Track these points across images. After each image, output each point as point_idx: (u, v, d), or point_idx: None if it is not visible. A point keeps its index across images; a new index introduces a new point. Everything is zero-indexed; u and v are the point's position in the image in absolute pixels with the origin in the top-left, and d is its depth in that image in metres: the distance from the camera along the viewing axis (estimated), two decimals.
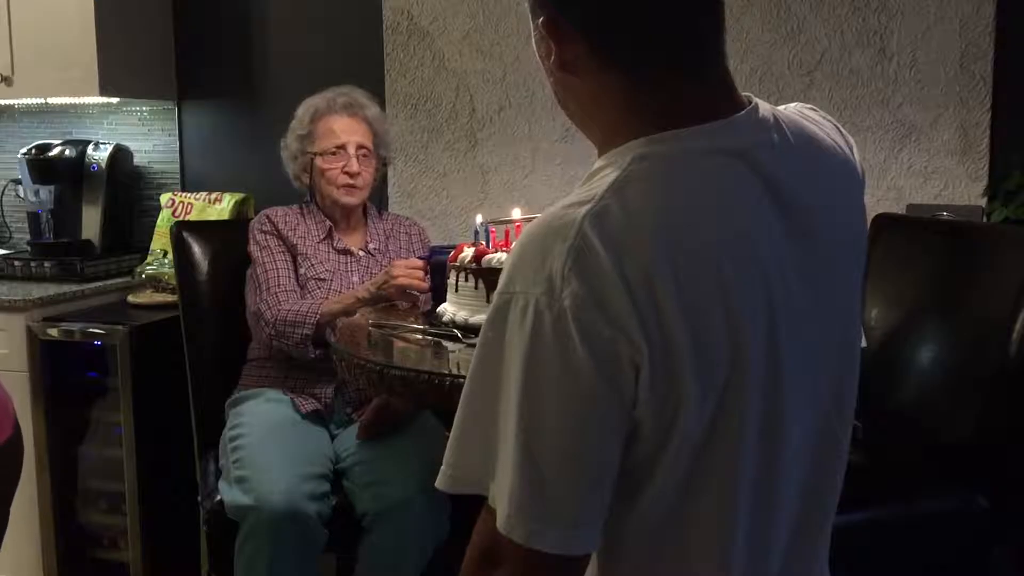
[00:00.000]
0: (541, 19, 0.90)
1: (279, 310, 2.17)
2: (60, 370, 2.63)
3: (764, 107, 0.91)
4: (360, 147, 2.33)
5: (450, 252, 1.92)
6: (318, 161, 2.32)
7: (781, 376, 0.87)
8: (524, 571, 0.83)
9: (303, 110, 2.39)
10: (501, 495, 0.83)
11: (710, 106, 0.88)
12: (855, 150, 1.01)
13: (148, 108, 3.13)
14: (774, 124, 0.90)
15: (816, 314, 0.90)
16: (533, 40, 0.94)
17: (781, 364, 0.86)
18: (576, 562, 0.84)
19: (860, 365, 1.00)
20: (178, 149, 3.13)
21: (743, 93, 0.92)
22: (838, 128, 1.00)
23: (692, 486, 0.85)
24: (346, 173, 2.30)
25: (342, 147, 2.31)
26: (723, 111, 0.88)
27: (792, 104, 1.01)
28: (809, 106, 1.01)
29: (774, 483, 0.90)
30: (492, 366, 0.83)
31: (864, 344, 1.98)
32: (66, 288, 2.74)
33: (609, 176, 0.85)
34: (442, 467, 0.88)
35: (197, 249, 2.47)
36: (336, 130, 2.33)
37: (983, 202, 2.42)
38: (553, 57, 0.90)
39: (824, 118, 1.00)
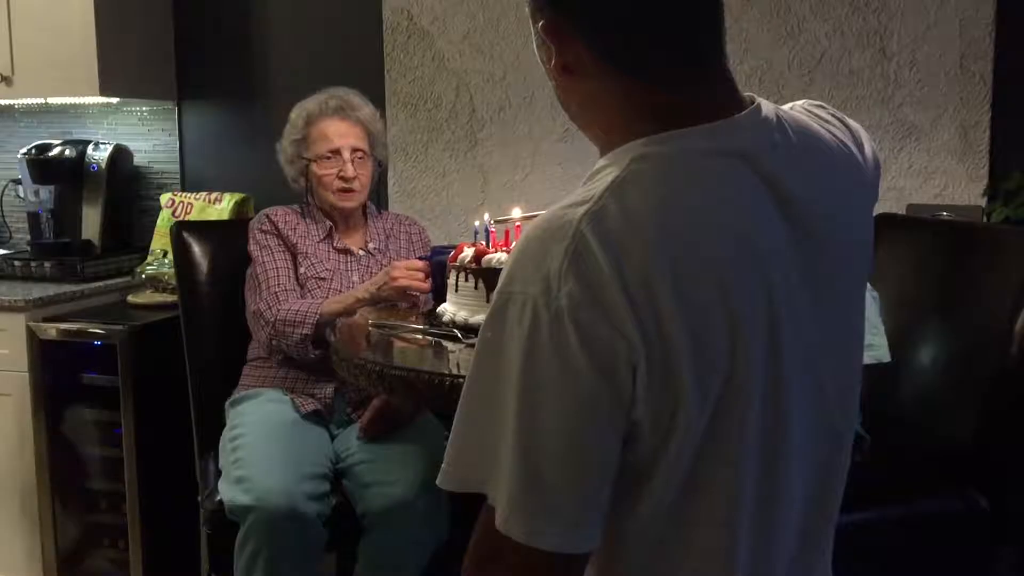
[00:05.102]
0: (541, 23, 0.90)
1: (279, 310, 2.17)
2: (60, 370, 2.63)
3: (767, 107, 0.91)
4: (355, 150, 2.32)
5: (451, 252, 1.92)
6: (313, 167, 2.32)
7: (783, 377, 0.86)
8: (523, 570, 0.83)
9: (296, 114, 2.38)
10: (500, 494, 0.83)
11: (711, 106, 0.88)
12: (866, 144, 0.99)
13: (148, 108, 3.13)
14: (776, 124, 0.90)
15: (819, 315, 0.90)
16: (534, 44, 0.94)
17: (782, 365, 0.86)
18: (576, 561, 0.84)
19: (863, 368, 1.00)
20: (178, 149, 3.13)
21: (746, 93, 0.91)
22: (846, 125, 0.99)
23: (694, 486, 0.85)
24: (341, 178, 2.30)
25: (336, 151, 2.30)
26: (725, 111, 0.88)
27: (799, 101, 1.01)
28: (817, 103, 1.01)
29: (778, 484, 0.89)
30: (491, 365, 0.83)
31: (889, 359, 1.98)
32: (66, 288, 2.74)
33: (609, 176, 0.85)
34: (443, 466, 0.88)
35: (197, 249, 2.47)
36: (329, 134, 2.31)
37: (983, 202, 2.42)
38: (554, 60, 0.90)
39: (832, 115, 0.99)
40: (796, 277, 0.87)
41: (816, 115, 0.98)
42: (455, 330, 1.77)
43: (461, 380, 1.49)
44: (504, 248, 1.84)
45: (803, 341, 0.88)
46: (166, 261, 2.83)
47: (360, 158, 2.33)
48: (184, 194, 3.02)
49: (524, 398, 0.80)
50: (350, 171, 2.29)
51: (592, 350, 0.78)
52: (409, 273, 2.08)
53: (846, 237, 0.94)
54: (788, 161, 0.89)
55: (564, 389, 0.79)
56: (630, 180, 0.84)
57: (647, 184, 0.84)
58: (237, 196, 2.94)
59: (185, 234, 2.48)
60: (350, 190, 2.31)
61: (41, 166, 2.95)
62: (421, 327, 1.86)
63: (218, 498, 2.05)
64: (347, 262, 2.34)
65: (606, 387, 0.79)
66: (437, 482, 0.88)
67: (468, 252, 1.83)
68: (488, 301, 1.73)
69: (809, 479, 0.93)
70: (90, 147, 3.00)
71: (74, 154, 2.97)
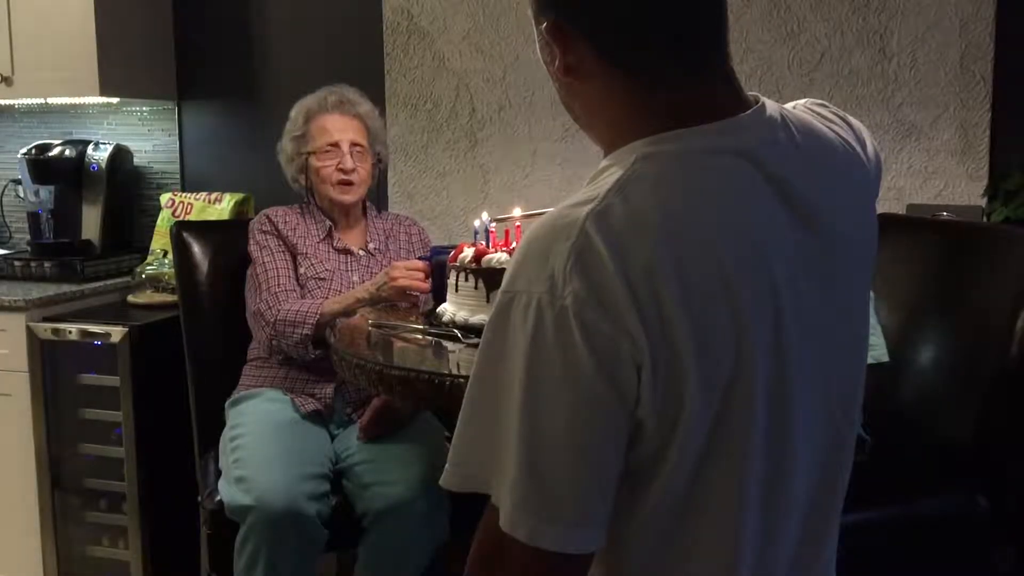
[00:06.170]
0: (544, 24, 0.90)
1: (279, 310, 2.17)
2: (60, 370, 2.63)
3: (771, 106, 0.91)
4: (354, 144, 2.33)
5: (451, 252, 1.92)
6: (312, 160, 2.32)
7: (788, 376, 0.86)
8: (527, 569, 0.83)
9: (296, 111, 2.39)
10: (504, 493, 0.83)
11: (715, 106, 0.88)
12: (868, 142, 0.99)
13: (148, 108, 3.13)
14: (781, 123, 0.90)
15: (824, 314, 0.90)
16: (537, 45, 0.94)
17: (788, 364, 0.86)
18: (579, 560, 0.84)
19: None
20: (178, 149, 3.13)
21: (750, 92, 0.91)
22: (848, 124, 0.99)
23: (699, 486, 0.85)
24: (340, 170, 2.30)
25: (335, 145, 2.31)
26: (729, 110, 0.88)
27: (802, 100, 1.01)
28: (820, 102, 1.01)
29: (782, 483, 0.90)
30: (495, 364, 0.83)
31: (887, 359, 1.98)
32: (66, 288, 2.74)
33: (613, 175, 0.85)
34: (446, 465, 0.88)
35: (197, 249, 2.47)
36: (329, 128, 2.33)
37: (983, 202, 2.42)
38: (558, 62, 0.90)
39: (834, 114, 0.99)
40: (801, 276, 0.87)
41: (819, 114, 0.98)
42: (455, 330, 1.77)
43: (461, 380, 1.50)
44: (504, 248, 1.84)
45: (808, 340, 0.88)
46: (166, 261, 2.83)
47: (359, 152, 2.34)
48: (184, 194, 3.02)
49: (528, 397, 0.80)
50: (349, 163, 2.30)
51: (597, 349, 0.78)
52: (409, 273, 2.09)
53: (850, 235, 0.94)
54: (792, 160, 0.89)
55: (568, 388, 0.79)
56: (634, 180, 0.84)
57: (651, 183, 0.84)
58: (237, 196, 2.94)
59: (185, 234, 2.48)
60: (349, 182, 2.31)
61: (41, 166, 2.95)
62: (421, 327, 1.86)
63: (218, 498, 2.05)
64: (347, 262, 2.34)
65: (610, 386, 0.79)
66: (440, 482, 0.88)
67: (468, 252, 1.83)
68: (488, 301, 1.73)
69: (812, 478, 0.93)
70: (90, 147, 3.00)
71: (74, 154, 2.97)
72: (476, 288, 1.78)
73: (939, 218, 2.37)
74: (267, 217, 2.35)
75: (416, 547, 2.04)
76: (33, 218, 2.98)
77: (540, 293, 0.80)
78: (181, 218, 2.91)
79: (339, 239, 2.36)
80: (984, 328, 1.95)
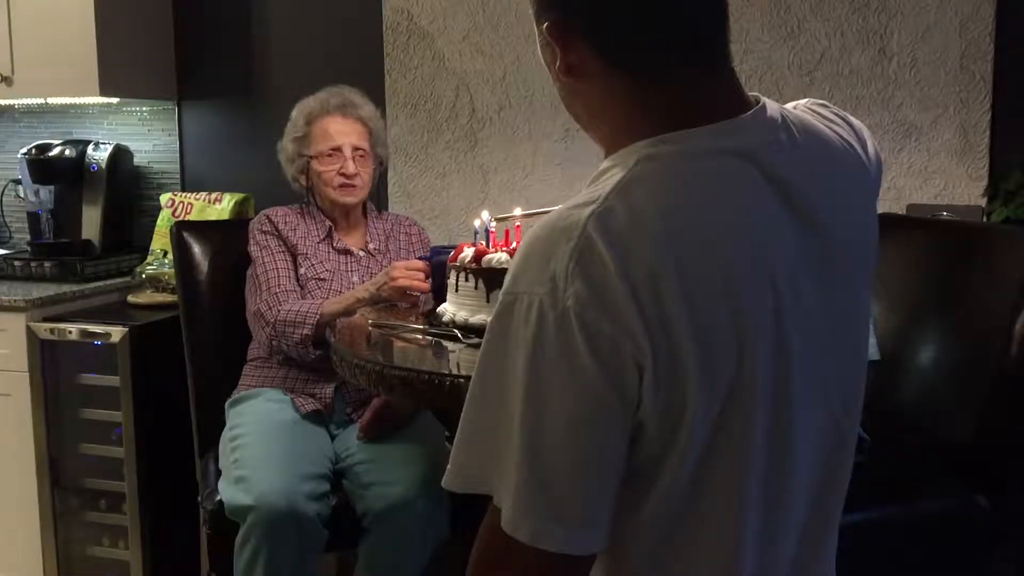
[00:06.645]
0: (545, 24, 0.90)
1: (279, 310, 2.17)
2: (60, 370, 2.63)
3: (772, 107, 0.91)
4: (356, 148, 2.32)
5: (451, 252, 1.92)
6: (314, 164, 2.32)
7: (789, 376, 0.86)
8: (528, 570, 0.83)
9: (297, 112, 2.39)
10: (506, 494, 0.83)
11: (716, 106, 0.88)
12: (868, 142, 0.99)
13: (148, 108, 3.13)
14: (782, 124, 0.90)
15: (825, 314, 0.90)
16: (538, 45, 0.94)
17: (789, 364, 0.86)
18: (581, 562, 0.84)
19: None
20: (178, 149, 3.13)
21: (751, 93, 0.91)
22: (849, 124, 0.99)
23: (700, 487, 0.85)
24: (342, 174, 2.30)
25: (337, 149, 2.31)
26: (730, 111, 0.88)
27: (803, 100, 1.01)
28: (820, 102, 1.01)
29: (783, 483, 0.90)
30: (496, 366, 0.83)
31: (879, 357, 1.97)
32: (66, 288, 2.74)
33: (614, 177, 0.85)
34: (448, 466, 0.88)
35: (197, 249, 2.47)
36: (331, 132, 2.32)
37: (983, 202, 2.42)
38: (559, 62, 0.90)
39: (835, 114, 0.99)
40: (802, 277, 0.87)
41: (820, 114, 0.98)
42: (455, 330, 1.77)
43: (461, 380, 1.50)
44: (504, 248, 1.84)
45: (809, 340, 0.88)
46: (166, 261, 2.83)
47: (361, 156, 2.33)
48: (184, 194, 3.02)
49: (530, 398, 0.80)
50: (351, 168, 2.30)
51: (598, 351, 0.78)
52: (409, 273, 2.09)
53: (851, 236, 0.94)
54: (794, 161, 0.89)
55: (570, 389, 0.79)
56: (636, 181, 0.84)
57: (653, 185, 0.84)
58: (237, 196, 2.94)
59: (185, 234, 2.48)
60: (351, 185, 2.31)
61: (41, 166, 2.95)
62: (421, 327, 1.86)
63: (218, 498, 2.05)
64: (347, 263, 2.34)
65: (612, 387, 0.79)
66: (442, 483, 0.89)
67: (468, 252, 1.83)
68: (488, 301, 1.73)
69: (813, 478, 0.94)
70: (90, 147, 3.00)
71: (74, 154, 2.97)
72: (476, 288, 1.78)
73: (939, 218, 2.37)
74: (267, 217, 2.35)
75: (416, 547, 2.04)
76: (33, 218, 2.98)
77: (542, 294, 0.80)
78: (181, 218, 2.91)
79: (339, 239, 2.36)
80: (984, 328, 1.95)
